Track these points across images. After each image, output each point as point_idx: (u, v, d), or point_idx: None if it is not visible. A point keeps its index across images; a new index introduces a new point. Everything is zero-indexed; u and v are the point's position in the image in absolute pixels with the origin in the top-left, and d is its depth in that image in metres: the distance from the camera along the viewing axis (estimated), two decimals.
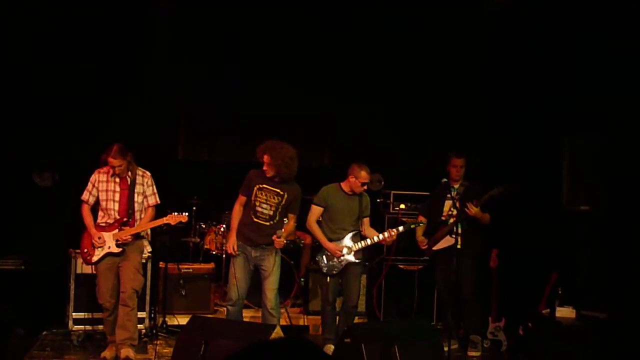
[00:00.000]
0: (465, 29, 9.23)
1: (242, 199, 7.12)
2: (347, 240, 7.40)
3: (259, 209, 7.01)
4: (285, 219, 7.20)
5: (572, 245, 8.02)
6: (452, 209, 7.63)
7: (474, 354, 7.77)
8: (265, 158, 6.91)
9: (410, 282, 8.77)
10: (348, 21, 9.26)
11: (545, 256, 8.32)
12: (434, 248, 7.78)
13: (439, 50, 9.41)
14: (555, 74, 8.56)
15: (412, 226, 7.57)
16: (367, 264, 8.30)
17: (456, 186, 7.76)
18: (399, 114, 9.80)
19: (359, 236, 7.49)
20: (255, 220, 7.01)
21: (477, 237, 7.74)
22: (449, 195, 7.63)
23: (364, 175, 7.31)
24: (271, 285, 7.01)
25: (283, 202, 7.02)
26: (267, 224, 6.99)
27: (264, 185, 7.01)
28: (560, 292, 7.59)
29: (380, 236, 7.42)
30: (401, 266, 8.83)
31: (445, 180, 7.55)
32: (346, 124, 9.96)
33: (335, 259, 7.38)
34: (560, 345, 7.22)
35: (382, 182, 9.44)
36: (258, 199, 7.01)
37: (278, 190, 7.01)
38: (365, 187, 7.41)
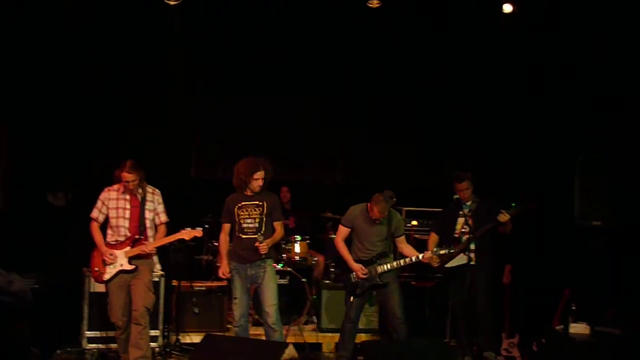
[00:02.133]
0: (479, 46, 9.24)
1: (226, 227, 7.29)
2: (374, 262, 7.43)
3: (245, 225, 7.13)
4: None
5: (585, 260, 7.96)
6: (465, 226, 7.61)
7: None
8: (259, 174, 7.04)
9: (423, 299, 8.71)
10: (359, 39, 9.28)
11: (559, 272, 8.28)
12: (447, 265, 7.73)
13: (452, 66, 9.42)
14: (569, 90, 8.55)
15: (443, 252, 7.46)
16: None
17: (468, 203, 7.74)
18: (413, 131, 9.82)
19: (387, 258, 7.48)
20: (245, 237, 7.12)
21: (491, 254, 7.70)
22: (461, 212, 7.63)
23: (375, 211, 7.32)
24: (270, 301, 7.08)
25: (265, 211, 7.12)
26: (256, 236, 7.05)
27: (242, 203, 7.15)
28: (574, 308, 7.53)
29: (420, 256, 7.40)
30: (413, 283, 8.80)
31: (457, 197, 7.57)
32: (358, 141, 9.98)
33: (360, 280, 7.38)
34: None
35: (394, 199, 9.40)
36: (241, 217, 7.14)
37: (257, 202, 7.14)
38: (377, 221, 7.39)
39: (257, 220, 7.11)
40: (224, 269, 7.19)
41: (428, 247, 7.88)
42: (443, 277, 8.09)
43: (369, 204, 7.42)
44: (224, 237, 7.30)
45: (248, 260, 7.10)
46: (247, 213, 7.13)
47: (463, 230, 7.69)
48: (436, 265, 7.70)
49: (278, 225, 7.27)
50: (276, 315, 7.10)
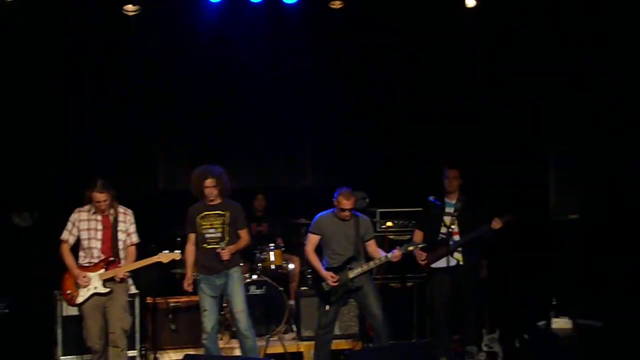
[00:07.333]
0: (444, 41, 9.22)
1: (191, 237, 7.26)
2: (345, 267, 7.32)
3: (208, 235, 7.12)
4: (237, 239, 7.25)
5: (562, 254, 7.98)
6: (451, 226, 7.56)
7: None
8: (209, 182, 7.04)
9: (403, 300, 8.62)
10: (325, 33, 9.22)
11: (535, 266, 8.29)
12: (433, 265, 7.67)
13: (422, 64, 9.40)
14: (538, 85, 8.53)
15: (411, 248, 7.38)
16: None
17: (453, 202, 7.66)
18: (382, 130, 9.76)
19: (358, 262, 7.34)
20: (209, 247, 7.13)
21: (477, 253, 7.71)
22: (447, 211, 7.59)
23: (340, 200, 7.19)
24: (238, 307, 7.14)
25: (228, 220, 7.14)
26: (219, 245, 7.06)
27: (204, 213, 7.14)
28: (554, 302, 7.54)
29: (389, 255, 7.26)
30: (392, 285, 8.71)
31: (434, 197, 7.52)
32: (326, 143, 9.90)
33: (332, 287, 7.28)
34: (558, 356, 7.19)
35: (367, 200, 9.32)
36: (203, 227, 7.13)
37: (219, 211, 7.14)
38: (346, 213, 7.25)
39: (219, 230, 7.13)
40: (187, 281, 7.20)
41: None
42: (427, 277, 7.98)
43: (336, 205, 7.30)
44: (190, 248, 7.26)
45: (214, 270, 7.10)
46: (209, 223, 7.14)
47: (450, 230, 7.60)
48: (423, 262, 7.65)
49: (243, 233, 7.29)
50: (247, 321, 7.14)
